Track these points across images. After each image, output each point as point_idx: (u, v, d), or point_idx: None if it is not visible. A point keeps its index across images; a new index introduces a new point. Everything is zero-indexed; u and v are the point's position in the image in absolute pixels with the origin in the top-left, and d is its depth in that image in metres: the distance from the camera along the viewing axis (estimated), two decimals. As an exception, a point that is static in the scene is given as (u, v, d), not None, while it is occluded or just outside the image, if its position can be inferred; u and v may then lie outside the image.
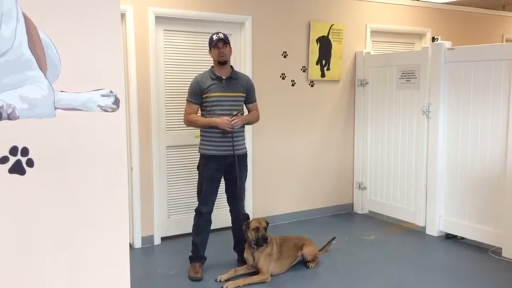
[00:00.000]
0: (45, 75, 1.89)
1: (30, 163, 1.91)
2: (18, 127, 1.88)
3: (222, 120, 3.75)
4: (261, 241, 3.81)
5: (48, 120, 1.93)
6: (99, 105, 2.00)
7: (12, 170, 1.88)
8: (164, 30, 4.61)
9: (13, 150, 1.87)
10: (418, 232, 5.03)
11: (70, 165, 2.01)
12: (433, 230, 4.92)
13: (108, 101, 2.01)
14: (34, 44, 1.86)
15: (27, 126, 1.89)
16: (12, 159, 1.87)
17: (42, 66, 1.88)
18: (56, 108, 1.93)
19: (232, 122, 3.74)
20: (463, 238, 4.72)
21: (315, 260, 4.12)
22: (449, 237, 4.82)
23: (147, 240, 4.64)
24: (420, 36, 6.28)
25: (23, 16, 1.85)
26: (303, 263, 4.11)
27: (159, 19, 4.52)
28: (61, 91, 1.93)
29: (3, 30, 1.80)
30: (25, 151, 1.89)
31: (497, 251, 4.36)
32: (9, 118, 1.85)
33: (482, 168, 4.48)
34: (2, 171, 1.86)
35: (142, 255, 4.42)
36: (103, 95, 1.99)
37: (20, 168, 1.89)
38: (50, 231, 2.00)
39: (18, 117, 1.86)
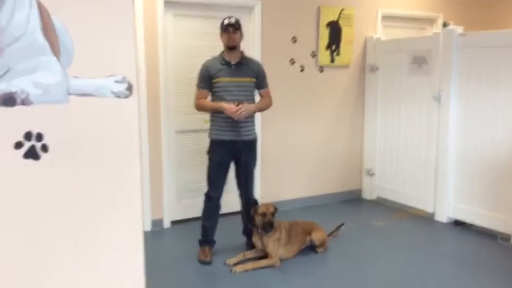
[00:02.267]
0: (58, 60, 1.89)
1: (44, 148, 1.91)
2: (32, 112, 1.88)
3: (229, 107, 3.73)
4: (267, 227, 3.83)
5: (62, 105, 1.93)
6: (112, 92, 1.99)
7: (27, 155, 1.89)
8: (173, 14, 4.59)
9: (27, 136, 1.88)
10: (427, 219, 5.03)
11: (83, 150, 2.02)
12: (442, 217, 4.92)
13: (122, 87, 2.00)
14: (47, 29, 1.86)
15: (41, 112, 1.90)
16: (27, 145, 1.88)
17: (55, 51, 1.88)
18: (69, 93, 1.93)
19: (237, 113, 3.70)
20: (472, 225, 4.72)
21: (323, 245, 4.14)
22: (458, 223, 4.82)
23: (157, 223, 4.69)
24: (431, 21, 6.21)
25: (36, 2, 1.84)
26: (312, 248, 4.14)
27: (168, 3, 4.50)
28: (74, 77, 1.93)
29: (16, 16, 1.80)
30: (39, 136, 1.90)
31: (506, 238, 4.37)
32: (23, 103, 1.85)
33: (492, 155, 4.46)
34: (17, 156, 1.88)
35: (152, 239, 4.46)
36: (116, 81, 1.99)
37: (35, 153, 1.90)
38: (65, 215, 2.02)
39: (32, 103, 1.86)
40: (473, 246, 4.31)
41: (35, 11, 1.83)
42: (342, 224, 4.51)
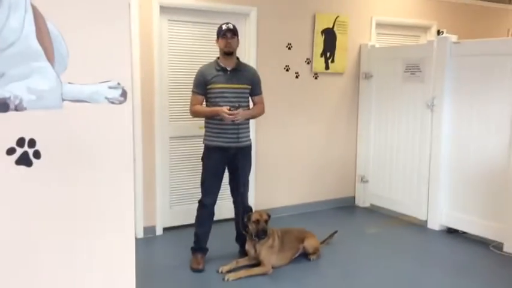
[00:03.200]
0: (52, 66, 1.88)
1: (37, 154, 1.90)
2: (25, 118, 1.86)
3: (222, 109, 3.72)
4: (261, 234, 3.82)
5: (56, 111, 1.91)
6: (106, 97, 1.98)
7: (19, 162, 1.87)
8: (168, 20, 4.59)
9: (20, 142, 1.86)
10: (420, 226, 5.04)
11: (76, 156, 2.00)
12: (434, 224, 4.93)
13: (116, 93, 1.99)
14: (42, 34, 1.84)
15: (34, 118, 1.88)
16: (19, 151, 1.86)
17: (49, 57, 1.87)
18: (63, 99, 1.91)
19: (231, 117, 3.69)
20: (464, 232, 4.74)
21: (316, 252, 4.14)
22: (451, 231, 4.83)
23: (149, 230, 4.65)
24: (425, 29, 6.24)
25: (31, 6, 1.83)
26: (305, 255, 4.13)
27: (164, 9, 4.49)
28: (68, 83, 1.92)
29: (11, 21, 1.79)
30: (32, 142, 1.88)
31: (498, 246, 4.38)
32: (16, 109, 1.83)
33: (485, 163, 4.48)
34: (9, 162, 1.86)
35: (145, 246, 4.43)
36: (110, 87, 1.98)
37: (27, 159, 1.88)
38: (56, 222, 2.00)
39: (25, 109, 1.85)
40: (466, 254, 4.32)
41: (29, 16, 1.82)
42: (335, 232, 4.50)
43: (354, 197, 5.89)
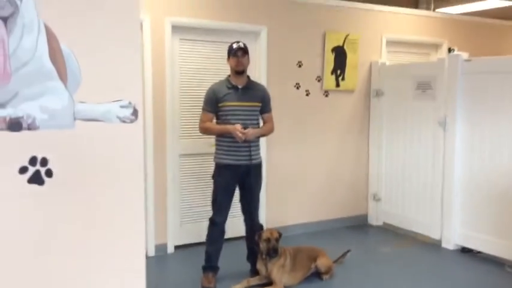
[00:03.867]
0: (65, 86, 1.90)
1: (49, 173, 1.91)
2: (38, 137, 1.89)
3: (234, 127, 3.74)
4: (272, 252, 3.78)
5: (68, 130, 1.94)
6: (118, 116, 2.00)
7: (31, 180, 1.89)
8: (180, 39, 4.64)
9: (32, 161, 1.88)
10: (434, 245, 4.96)
11: (88, 175, 2.01)
12: (448, 243, 4.85)
13: (127, 112, 2.01)
14: (55, 54, 1.87)
15: (47, 137, 1.90)
16: (32, 170, 1.88)
17: (62, 77, 1.89)
18: (75, 119, 1.94)
19: (242, 136, 3.70)
20: (479, 252, 4.65)
21: (329, 272, 4.08)
22: (465, 251, 4.75)
23: (161, 248, 4.64)
24: (436, 47, 6.23)
25: (45, 27, 1.86)
26: (317, 274, 4.07)
27: (176, 28, 4.55)
28: (80, 102, 1.94)
29: (24, 41, 1.82)
30: (44, 161, 1.90)
31: (514, 266, 4.29)
32: (29, 128, 1.86)
33: (499, 181, 4.41)
34: (22, 181, 1.87)
35: (156, 264, 4.41)
36: (122, 106, 2.00)
37: (39, 178, 1.90)
38: (68, 241, 2.00)
39: (38, 128, 1.87)
40: (481, 274, 4.23)
41: (43, 37, 1.85)
42: (348, 251, 4.44)
43: (366, 215, 5.83)
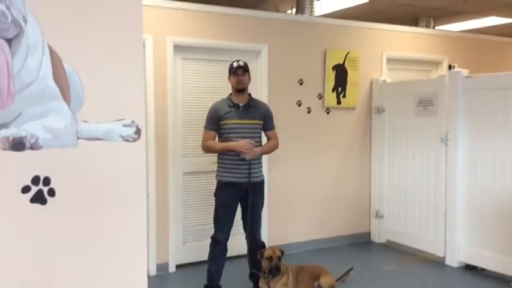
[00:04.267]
0: (68, 105, 1.92)
1: (51, 193, 1.92)
2: (40, 157, 1.90)
3: (239, 144, 3.75)
4: (274, 271, 3.75)
5: (71, 150, 1.95)
6: (120, 135, 2.01)
7: (33, 200, 1.89)
8: (182, 58, 4.68)
9: (35, 180, 1.89)
10: (438, 263, 4.92)
11: (91, 194, 2.02)
12: (452, 261, 4.81)
13: (130, 131, 2.03)
14: (59, 75, 1.89)
15: (50, 156, 1.91)
16: (34, 189, 1.89)
17: (66, 96, 1.91)
18: (78, 138, 1.95)
19: (246, 150, 3.73)
20: (483, 269, 4.61)
21: (332, 290, 4.04)
22: (469, 268, 4.71)
23: (162, 267, 4.61)
24: (437, 64, 6.27)
25: (48, 48, 1.89)
26: (320, 293, 4.03)
27: (177, 48, 4.59)
28: (84, 121, 1.95)
29: (29, 62, 1.84)
30: (47, 181, 1.91)
31: (519, 283, 4.25)
32: (32, 148, 1.87)
33: (503, 197, 4.40)
34: (24, 200, 1.88)
35: (157, 283, 4.38)
36: (125, 125, 2.01)
37: (42, 197, 1.90)
38: (70, 260, 2.00)
39: (41, 147, 1.88)
40: (486, 291, 4.20)
41: (47, 58, 1.87)
42: (351, 269, 4.41)
43: (369, 233, 5.80)
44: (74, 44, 1.94)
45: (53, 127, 1.89)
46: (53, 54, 1.88)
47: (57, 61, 1.88)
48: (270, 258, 3.77)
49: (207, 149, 3.97)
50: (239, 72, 3.84)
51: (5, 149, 1.81)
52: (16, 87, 1.82)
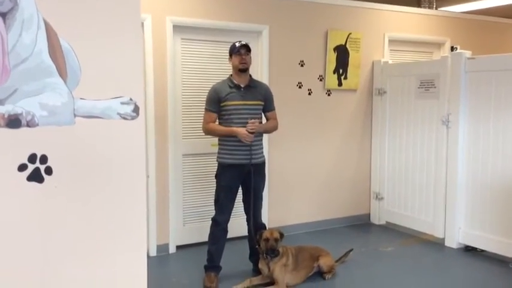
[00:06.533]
0: (65, 82, 1.89)
1: (48, 171, 1.90)
2: (37, 134, 1.87)
3: (242, 131, 3.73)
4: (270, 252, 3.75)
5: (68, 127, 1.92)
6: (118, 113, 1.98)
7: (30, 178, 1.87)
8: (181, 38, 4.62)
9: (32, 158, 1.87)
10: (437, 244, 4.93)
11: (88, 173, 2.00)
12: (452, 242, 4.82)
13: (128, 109, 2.00)
14: (54, 50, 1.86)
15: (46, 134, 1.88)
16: (31, 167, 1.87)
17: (62, 73, 1.88)
18: (75, 115, 1.92)
19: (249, 128, 3.71)
20: (483, 250, 4.62)
21: (331, 271, 4.06)
22: (468, 249, 4.72)
23: (162, 248, 4.62)
24: (439, 45, 6.21)
25: (44, 23, 1.85)
26: (319, 274, 4.05)
27: (177, 28, 4.53)
28: (81, 98, 1.92)
29: (23, 37, 1.81)
30: (44, 159, 1.89)
31: (518, 265, 4.26)
32: (28, 125, 1.84)
33: (503, 179, 4.38)
34: (21, 178, 1.86)
35: (158, 264, 4.39)
36: (122, 103, 1.98)
37: (39, 175, 1.88)
38: (68, 239, 1.99)
39: (37, 125, 1.86)
40: (485, 272, 4.20)
41: (42, 33, 1.83)
42: (351, 250, 4.42)
43: (369, 215, 5.80)
44: (69, 20, 1.90)
45: (49, 104, 1.86)
46: (48, 30, 1.84)
47: (53, 36, 1.85)
48: (267, 240, 3.78)
49: (209, 132, 3.94)
50: (242, 52, 3.79)
51: (0, 126, 1.78)
52: (11, 63, 1.78)
